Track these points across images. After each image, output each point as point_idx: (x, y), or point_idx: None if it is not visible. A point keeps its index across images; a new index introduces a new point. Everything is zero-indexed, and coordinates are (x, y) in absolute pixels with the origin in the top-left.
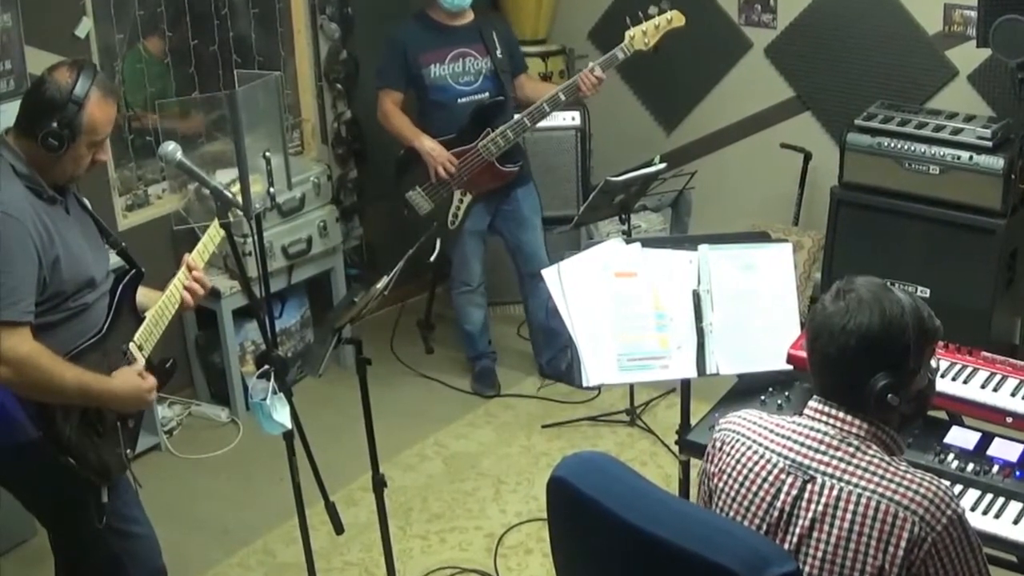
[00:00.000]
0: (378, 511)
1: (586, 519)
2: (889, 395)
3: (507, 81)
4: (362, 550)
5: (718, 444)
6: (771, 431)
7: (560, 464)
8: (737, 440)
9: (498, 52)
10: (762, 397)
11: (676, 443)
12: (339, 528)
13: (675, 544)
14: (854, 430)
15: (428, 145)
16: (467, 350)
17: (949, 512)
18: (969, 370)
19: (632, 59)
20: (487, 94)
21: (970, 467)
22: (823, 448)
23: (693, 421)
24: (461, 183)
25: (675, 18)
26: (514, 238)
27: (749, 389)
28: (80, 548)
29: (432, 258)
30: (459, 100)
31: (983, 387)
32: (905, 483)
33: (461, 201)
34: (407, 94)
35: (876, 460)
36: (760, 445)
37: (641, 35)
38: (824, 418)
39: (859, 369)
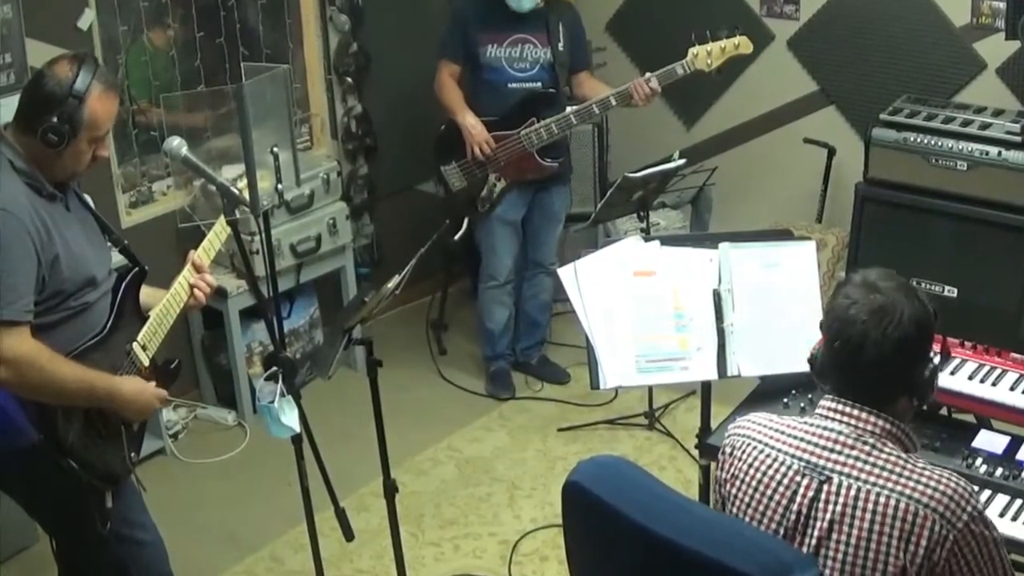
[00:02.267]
0: (389, 517)
1: (603, 525)
2: (933, 384)
3: (563, 75)
4: (373, 557)
5: (728, 450)
6: (783, 433)
7: (576, 468)
8: (748, 444)
9: (560, 45)
10: (785, 400)
11: (696, 447)
12: (349, 535)
13: (695, 551)
14: (869, 427)
15: (470, 121)
16: (484, 349)
17: (970, 509)
18: (998, 372)
19: (650, 51)
20: (539, 84)
21: (999, 472)
22: (838, 447)
23: (714, 424)
24: (497, 167)
25: (742, 44)
26: (535, 227)
27: (771, 391)
28: (84, 555)
29: (457, 236)
30: (509, 85)
31: (1012, 389)
32: (924, 480)
33: (495, 186)
34: (464, 68)
35: (893, 458)
36: (772, 448)
37: (705, 55)
38: (839, 416)
39: (895, 369)
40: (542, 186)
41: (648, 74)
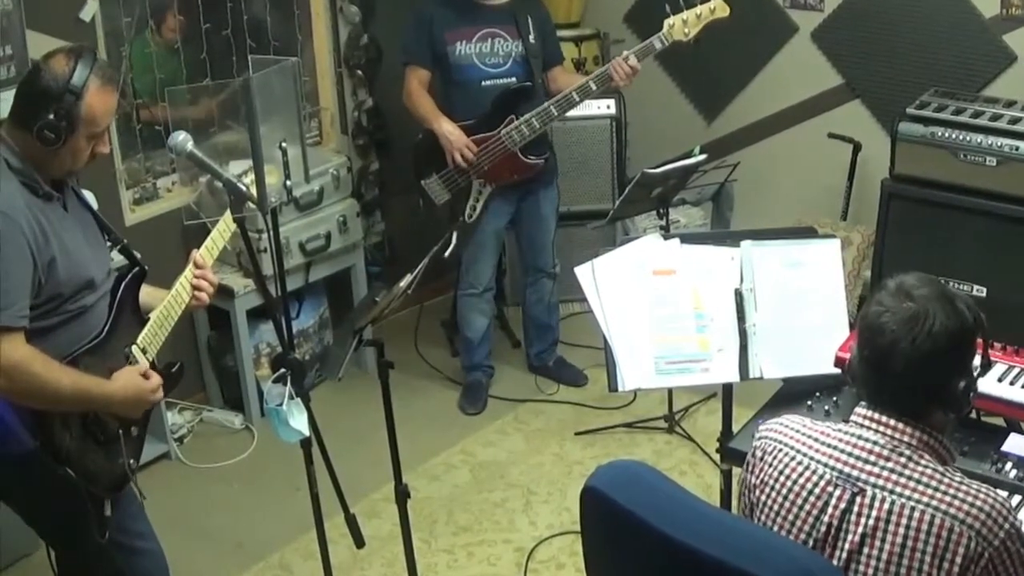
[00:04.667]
0: (401, 523)
1: (622, 532)
2: (968, 397)
3: (537, 68)
4: (384, 565)
5: (759, 454)
6: (816, 440)
7: (594, 474)
8: (779, 450)
9: (531, 37)
10: (808, 402)
11: (717, 451)
12: (360, 542)
13: (717, 558)
14: (906, 438)
15: (446, 128)
16: (462, 358)
17: (1007, 526)
18: None
19: (670, 46)
20: (514, 79)
21: None
22: (873, 458)
23: (735, 428)
24: (481, 173)
25: (718, 8)
26: (527, 233)
27: (795, 394)
28: (82, 564)
29: (447, 253)
30: (483, 83)
31: None
32: (961, 495)
33: (480, 193)
34: (434, 73)
35: (929, 471)
36: (804, 455)
37: (681, 24)
38: (874, 425)
39: (926, 381)
40: (528, 190)
41: (626, 52)
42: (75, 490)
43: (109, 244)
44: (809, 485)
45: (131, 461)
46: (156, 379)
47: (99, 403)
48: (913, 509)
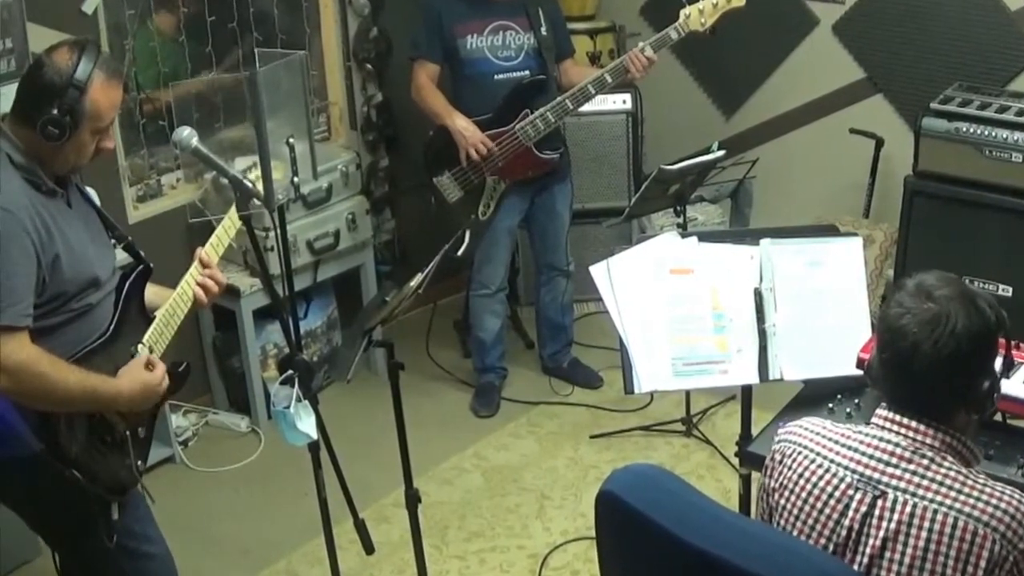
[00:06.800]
0: (411, 529)
1: (639, 537)
2: (992, 397)
3: (550, 60)
4: (394, 572)
5: (778, 457)
6: (836, 442)
7: (610, 478)
8: (799, 452)
9: (542, 29)
10: (830, 405)
11: (736, 455)
12: (369, 547)
13: (735, 565)
14: (928, 440)
15: (460, 124)
16: (475, 360)
17: None
18: None
19: (687, 38)
20: (528, 72)
21: None
22: (894, 461)
23: (755, 431)
24: (495, 169)
25: None
26: (540, 229)
27: (815, 396)
28: (89, 570)
29: (460, 252)
30: (496, 77)
31: None
32: (984, 497)
33: (495, 190)
34: (443, 68)
35: (952, 473)
36: (825, 458)
37: (697, 14)
38: (895, 428)
39: (948, 383)
40: (542, 186)
41: (642, 43)
42: (82, 493)
43: (113, 242)
44: (829, 488)
45: (138, 462)
46: (160, 368)
47: (106, 400)
48: (936, 512)
